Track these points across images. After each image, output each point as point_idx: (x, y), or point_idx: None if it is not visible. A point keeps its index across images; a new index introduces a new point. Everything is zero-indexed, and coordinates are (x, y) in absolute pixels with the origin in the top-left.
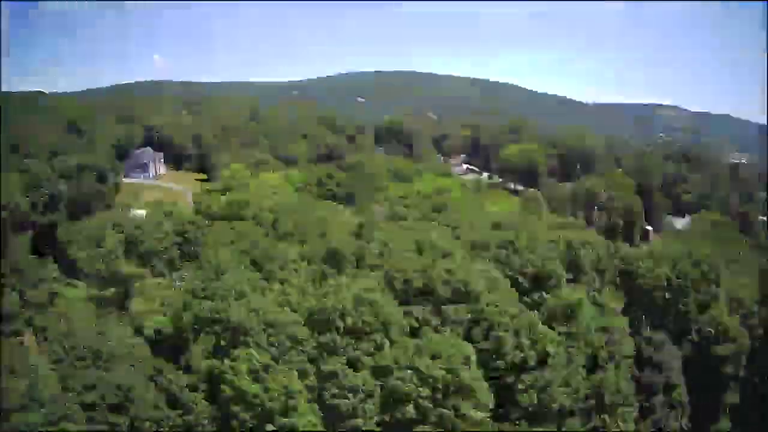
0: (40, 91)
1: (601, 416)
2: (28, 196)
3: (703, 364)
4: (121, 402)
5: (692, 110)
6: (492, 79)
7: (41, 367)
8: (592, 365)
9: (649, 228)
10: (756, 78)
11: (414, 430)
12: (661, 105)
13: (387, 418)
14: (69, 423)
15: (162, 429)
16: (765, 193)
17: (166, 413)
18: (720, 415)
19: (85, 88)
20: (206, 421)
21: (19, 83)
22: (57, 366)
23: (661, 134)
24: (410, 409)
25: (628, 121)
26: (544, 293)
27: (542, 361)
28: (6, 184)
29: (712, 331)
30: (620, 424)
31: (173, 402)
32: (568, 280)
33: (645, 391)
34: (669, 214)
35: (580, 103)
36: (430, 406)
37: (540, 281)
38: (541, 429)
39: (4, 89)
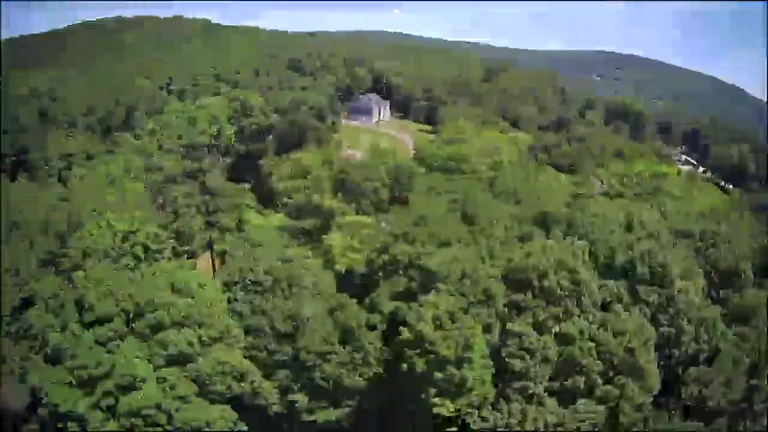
0: (257, 27)
1: (747, 421)
2: (233, 123)
3: None
4: (289, 331)
5: None
6: (726, 79)
7: (208, 288)
8: (756, 369)
9: None
10: None
11: (578, 401)
12: None
13: (556, 385)
14: (223, 345)
15: (327, 363)
16: None
17: (336, 348)
18: None
19: (315, 30)
20: (375, 362)
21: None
22: (229, 288)
23: None
24: (580, 381)
25: None
26: (731, 291)
27: (713, 356)
28: (214, 108)
29: None
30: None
31: (346, 338)
32: (756, 284)
33: None
34: None
35: None
36: (600, 381)
37: (730, 278)
38: (690, 424)
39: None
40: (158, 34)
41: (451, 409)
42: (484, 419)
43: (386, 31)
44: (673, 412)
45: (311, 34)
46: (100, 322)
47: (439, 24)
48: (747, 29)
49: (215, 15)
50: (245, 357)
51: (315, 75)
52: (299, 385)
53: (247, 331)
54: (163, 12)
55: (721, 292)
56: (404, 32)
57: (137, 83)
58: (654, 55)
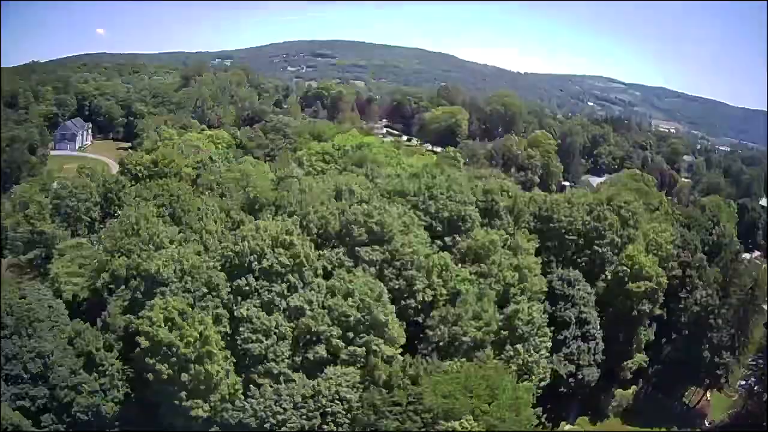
0: None
1: (514, 346)
2: None
3: (618, 302)
4: (41, 371)
5: (626, 82)
6: (431, 49)
7: None
8: (504, 301)
9: (567, 184)
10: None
11: (327, 368)
12: (593, 76)
13: (299, 359)
14: None
15: (80, 395)
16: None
17: (83, 378)
18: (634, 351)
19: (29, 61)
20: (120, 382)
21: None
22: None
23: (590, 103)
24: (321, 349)
25: (560, 91)
26: (457, 236)
27: (453, 298)
28: None
29: (628, 270)
30: (533, 353)
31: (91, 365)
32: (484, 225)
33: (558, 325)
34: (588, 173)
35: (515, 72)
36: (342, 344)
37: (455, 225)
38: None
39: None
40: None
41: (206, 408)
42: (238, 409)
43: (91, 53)
44: (427, 356)
45: (25, 66)
46: None
47: (140, 38)
48: None
49: None
50: (14, 410)
51: (27, 108)
52: (64, 426)
53: (7, 380)
54: None
55: (446, 238)
56: (108, 51)
57: None
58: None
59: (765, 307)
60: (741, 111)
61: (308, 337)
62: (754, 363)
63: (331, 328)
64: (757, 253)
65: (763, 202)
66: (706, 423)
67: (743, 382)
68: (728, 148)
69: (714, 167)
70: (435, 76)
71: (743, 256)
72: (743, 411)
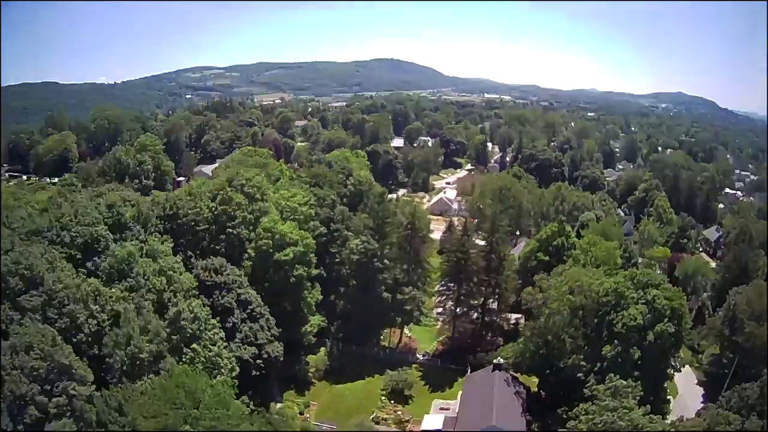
0: None
1: (191, 347)
2: None
3: (272, 274)
4: None
5: (224, 66)
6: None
7: None
8: (162, 307)
9: (182, 179)
10: None
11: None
12: (189, 68)
13: (21, 428)
14: None
15: None
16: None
17: None
18: (307, 315)
19: None
20: None
21: None
22: None
23: (188, 95)
24: (33, 411)
25: (158, 91)
26: (96, 258)
27: (116, 320)
28: None
29: (270, 242)
30: (212, 348)
31: None
32: (117, 240)
33: (222, 314)
34: (199, 164)
35: (110, 84)
36: (45, 399)
37: (92, 248)
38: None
39: None
40: None
41: None
42: None
43: None
44: (119, 384)
45: None
46: None
47: None
48: None
49: None
50: None
51: None
52: None
53: None
54: None
55: (88, 264)
56: None
57: None
58: None
59: (432, 236)
60: (346, 65)
61: (16, 402)
62: (444, 287)
63: (30, 386)
64: (403, 191)
65: (394, 143)
66: (419, 356)
67: (439, 309)
68: (344, 103)
69: (331, 124)
70: (41, 108)
71: (390, 196)
72: (455, 333)
